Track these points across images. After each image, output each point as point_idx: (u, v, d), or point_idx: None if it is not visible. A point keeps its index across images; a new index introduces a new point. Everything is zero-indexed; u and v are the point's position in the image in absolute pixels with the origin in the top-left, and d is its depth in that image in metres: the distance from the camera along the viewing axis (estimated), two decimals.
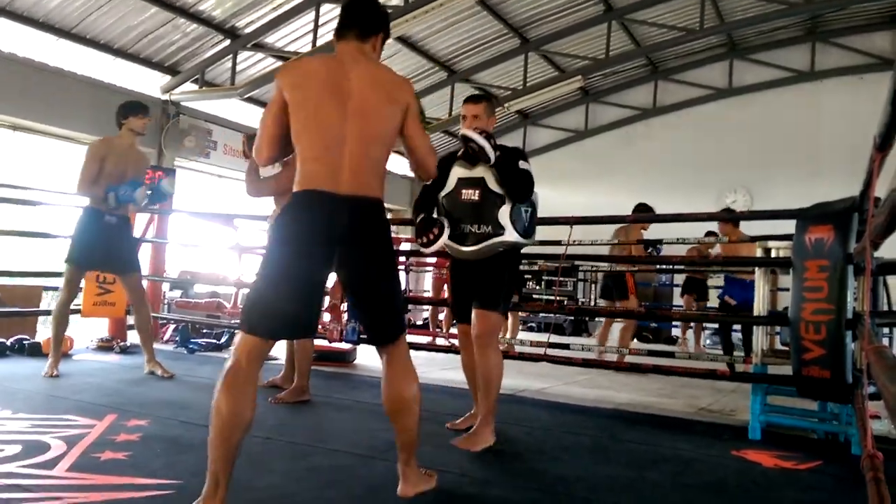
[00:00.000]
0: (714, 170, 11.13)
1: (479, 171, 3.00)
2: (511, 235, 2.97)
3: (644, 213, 5.59)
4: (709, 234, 5.84)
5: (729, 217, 5.31)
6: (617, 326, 6.35)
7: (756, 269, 3.79)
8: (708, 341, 9.79)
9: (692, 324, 8.41)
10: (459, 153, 3.10)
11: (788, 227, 3.39)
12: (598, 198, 11.53)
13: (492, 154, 2.91)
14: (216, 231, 7.41)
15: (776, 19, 9.30)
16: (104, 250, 4.16)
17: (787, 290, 3.25)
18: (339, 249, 1.98)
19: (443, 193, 3.10)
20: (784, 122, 10.78)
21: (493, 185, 2.96)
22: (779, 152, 10.70)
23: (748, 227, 4.62)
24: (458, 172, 3.05)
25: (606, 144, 12.39)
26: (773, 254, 3.70)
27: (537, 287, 11.55)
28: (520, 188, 2.97)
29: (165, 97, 8.55)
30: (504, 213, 2.96)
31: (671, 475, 2.71)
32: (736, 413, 4.16)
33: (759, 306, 3.64)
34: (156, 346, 5.84)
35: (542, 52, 10.25)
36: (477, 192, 2.97)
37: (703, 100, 11.61)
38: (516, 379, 5.10)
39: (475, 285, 3.06)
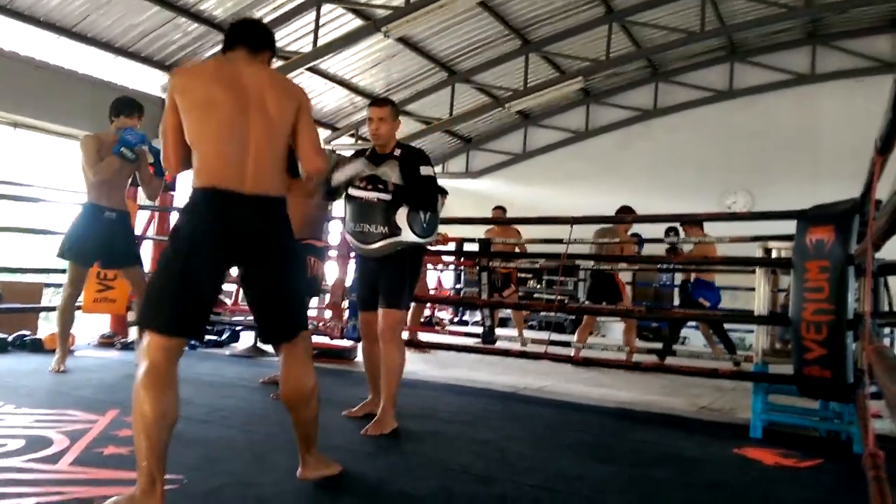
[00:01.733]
0: (715, 171, 11.13)
1: (380, 171, 3.09)
2: (408, 236, 3.06)
3: (632, 215, 5.66)
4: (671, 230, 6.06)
5: (690, 218, 5.44)
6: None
7: (757, 268, 3.80)
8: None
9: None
10: (367, 153, 3.22)
11: (789, 227, 3.40)
12: (599, 198, 11.48)
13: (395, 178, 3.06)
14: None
15: (776, 22, 9.31)
16: (102, 245, 4.14)
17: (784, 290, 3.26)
18: (241, 248, 2.00)
19: (346, 192, 3.19)
20: (785, 124, 10.79)
21: (392, 185, 3.06)
22: (779, 154, 10.71)
23: (750, 228, 4.62)
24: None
25: (607, 145, 12.39)
26: (774, 254, 3.71)
27: (538, 286, 11.56)
28: (423, 199, 3.09)
29: (165, 95, 8.55)
30: (401, 215, 3.05)
31: (673, 473, 2.72)
32: (737, 411, 4.16)
33: (760, 306, 3.65)
34: None
35: (543, 53, 10.25)
36: (378, 192, 3.07)
37: (704, 102, 11.61)
38: (517, 376, 5.11)
39: (378, 282, 3.19)
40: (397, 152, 3.18)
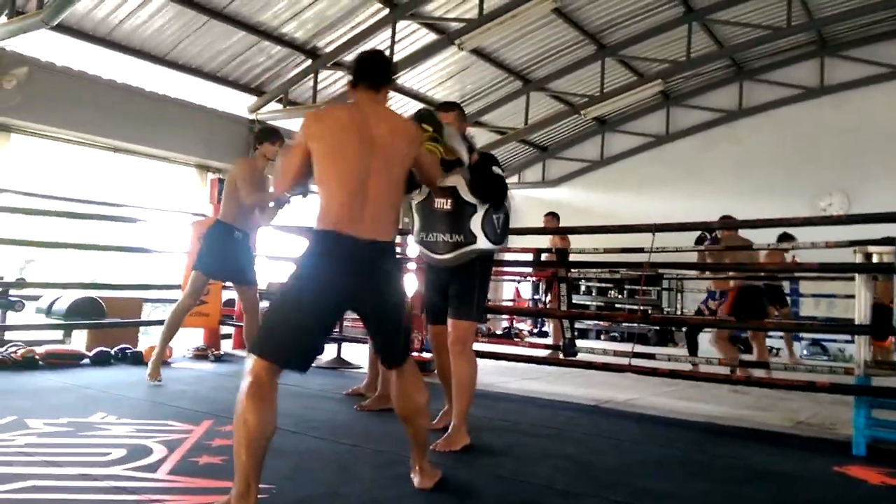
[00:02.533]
0: (806, 172, 10.60)
1: (452, 180, 3.02)
2: (483, 244, 3.02)
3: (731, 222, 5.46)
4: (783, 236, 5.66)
5: (723, 225, 5.19)
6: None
7: (856, 275, 3.58)
8: (805, 351, 9.33)
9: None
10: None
11: (890, 230, 3.20)
12: (681, 203, 11.21)
13: (465, 157, 2.95)
14: (299, 243, 7.64)
15: (869, 14, 8.81)
16: (230, 263, 4.50)
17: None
18: (358, 288, 2.17)
19: (415, 201, 3.14)
20: (882, 119, 10.16)
21: (465, 193, 3.02)
22: (877, 152, 10.09)
23: (847, 232, 4.37)
24: None
25: (689, 149, 12.02)
26: (875, 259, 3.50)
27: (619, 296, 11.32)
28: (492, 193, 3.04)
29: (252, 116, 8.93)
30: (476, 222, 3.01)
31: (768, 491, 2.59)
32: (837, 427, 3.93)
33: (861, 315, 3.44)
34: (241, 352, 6.08)
35: (620, 57, 10.07)
36: (449, 200, 3.02)
37: (793, 100, 11.09)
38: (600, 389, 5.01)
39: (449, 293, 3.14)
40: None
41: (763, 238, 5.83)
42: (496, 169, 3.09)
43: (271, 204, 4.37)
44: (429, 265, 3.25)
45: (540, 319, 11.13)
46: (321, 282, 2.12)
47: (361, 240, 2.14)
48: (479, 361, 3.29)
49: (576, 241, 6.99)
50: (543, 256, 6.67)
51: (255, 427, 1.94)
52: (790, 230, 6.52)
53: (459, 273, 3.11)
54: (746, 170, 11.17)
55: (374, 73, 2.39)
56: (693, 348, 6.01)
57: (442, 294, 3.19)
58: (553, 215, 7.51)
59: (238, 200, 4.34)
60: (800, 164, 10.71)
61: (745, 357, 6.07)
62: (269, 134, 4.56)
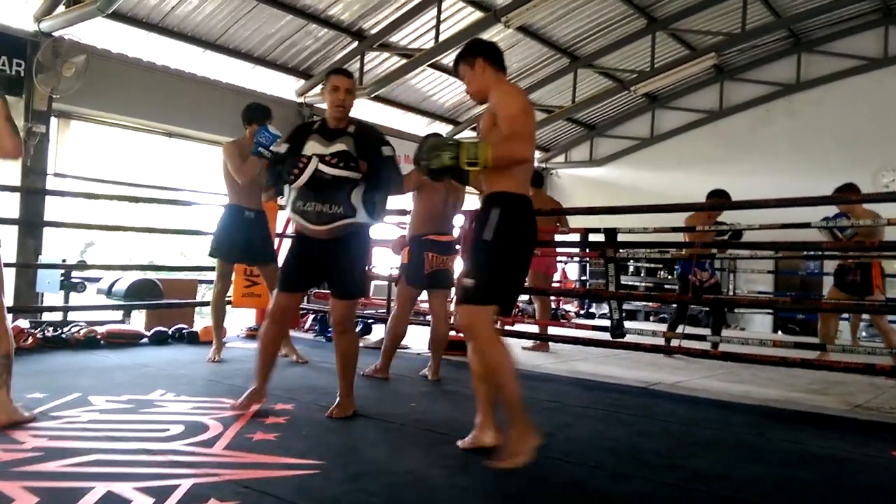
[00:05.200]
0: (868, 147, 10.16)
1: (337, 148, 2.93)
2: (362, 217, 2.96)
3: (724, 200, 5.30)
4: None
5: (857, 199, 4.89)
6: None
7: None
8: (864, 333, 9.02)
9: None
10: (316, 125, 3.09)
11: None
12: (735, 181, 10.85)
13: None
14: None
15: None
16: (244, 243, 4.48)
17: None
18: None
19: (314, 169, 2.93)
20: None
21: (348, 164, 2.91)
22: None
23: None
24: (314, 147, 2.95)
25: (744, 124, 11.65)
26: None
27: (669, 277, 11.12)
28: (393, 186, 3.05)
29: (301, 100, 9.03)
30: (357, 195, 2.93)
31: (824, 475, 2.53)
32: None
33: None
34: (297, 334, 6.20)
35: (671, 30, 9.79)
36: (348, 172, 2.90)
37: (855, 71, 10.61)
38: (649, 372, 4.95)
39: (328, 269, 3.07)
40: (352, 129, 3.03)
41: (821, 215, 5.63)
42: (386, 150, 3.04)
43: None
44: (303, 236, 3.08)
45: (587, 301, 11.03)
46: (526, 241, 2.59)
47: None
48: (520, 342, 3.26)
49: (624, 220, 6.87)
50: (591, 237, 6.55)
51: (511, 363, 2.50)
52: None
53: (343, 248, 3.02)
54: (804, 146, 10.78)
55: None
56: (718, 324, 5.88)
57: (313, 268, 3.09)
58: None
59: (234, 181, 4.35)
60: (861, 138, 10.27)
61: (805, 339, 5.89)
62: (257, 111, 4.43)
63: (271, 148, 3.47)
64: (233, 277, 4.93)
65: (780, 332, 10.05)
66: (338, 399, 3.12)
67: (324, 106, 3.17)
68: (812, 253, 7.56)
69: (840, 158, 10.20)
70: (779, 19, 9.58)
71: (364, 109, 9.80)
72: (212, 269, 4.85)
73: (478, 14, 8.25)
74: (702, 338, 4.61)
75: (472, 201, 4.45)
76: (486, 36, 8.76)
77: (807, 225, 4.78)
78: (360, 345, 5.88)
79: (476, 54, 2.67)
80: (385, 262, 7.13)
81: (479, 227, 2.54)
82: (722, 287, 10.99)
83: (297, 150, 2.99)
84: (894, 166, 10.03)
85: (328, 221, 2.92)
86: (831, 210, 5.53)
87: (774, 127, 11.28)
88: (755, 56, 11.35)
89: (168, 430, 2.69)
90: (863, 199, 4.93)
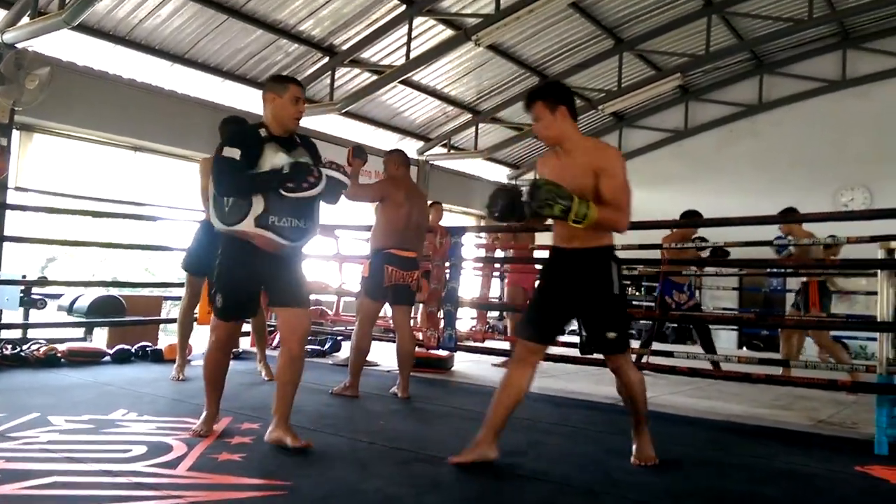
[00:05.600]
0: (828, 167, 10.45)
1: (304, 160, 2.84)
2: (317, 230, 2.95)
3: (696, 220, 5.41)
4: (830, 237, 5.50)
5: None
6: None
7: (879, 271, 3.53)
8: None
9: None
10: (262, 132, 2.86)
11: None
12: (700, 199, 11.06)
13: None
14: (318, 241, 7.69)
15: (893, 5, 8.66)
16: (211, 258, 4.38)
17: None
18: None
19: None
20: None
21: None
22: None
23: (869, 228, 4.30)
24: (277, 157, 2.77)
25: (708, 144, 11.91)
26: None
27: (637, 293, 11.25)
28: (335, 200, 3.02)
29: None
30: (317, 208, 2.91)
31: (789, 491, 2.57)
32: (859, 426, 3.88)
33: (884, 311, 3.39)
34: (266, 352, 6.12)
35: (638, 51, 9.99)
36: (319, 187, 2.79)
37: (815, 93, 10.94)
38: (609, 387, 4.98)
39: (278, 280, 2.85)
40: (298, 139, 2.96)
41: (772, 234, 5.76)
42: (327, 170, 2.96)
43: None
44: (244, 251, 2.79)
45: None
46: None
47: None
48: (492, 359, 3.25)
49: None
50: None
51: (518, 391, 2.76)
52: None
53: (293, 259, 2.91)
54: (767, 165, 11.04)
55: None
56: (709, 346, 5.87)
57: (258, 282, 2.89)
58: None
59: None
60: (821, 158, 10.56)
61: (768, 355, 6.00)
62: (233, 123, 4.29)
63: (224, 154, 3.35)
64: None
65: (744, 348, 10.22)
66: (276, 422, 2.83)
67: None
68: (775, 270, 7.70)
69: (801, 178, 10.48)
70: (741, 42, 9.85)
71: (335, 125, 9.78)
72: (177, 285, 4.78)
73: (449, 32, 8.32)
74: (669, 354, 4.65)
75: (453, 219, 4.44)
76: (457, 53, 8.87)
77: (769, 243, 4.90)
78: (329, 362, 5.84)
79: (560, 102, 2.75)
80: (354, 278, 7.09)
81: (604, 283, 2.71)
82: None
83: (252, 158, 2.73)
84: (853, 186, 10.32)
85: (299, 238, 2.82)
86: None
87: (738, 147, 11.54)
88: (719, 77, 11.64)
89: (130, 450, 2.62)
90: (826, 218, 5.05)
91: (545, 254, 6.29)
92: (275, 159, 2.76)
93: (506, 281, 6.83)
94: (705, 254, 6.04)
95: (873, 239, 3.99)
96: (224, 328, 2.91)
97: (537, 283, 3.06)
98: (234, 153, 2.72)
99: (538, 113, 2.78)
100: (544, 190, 2.52)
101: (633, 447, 2.85)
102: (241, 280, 2.85)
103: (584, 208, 2.51)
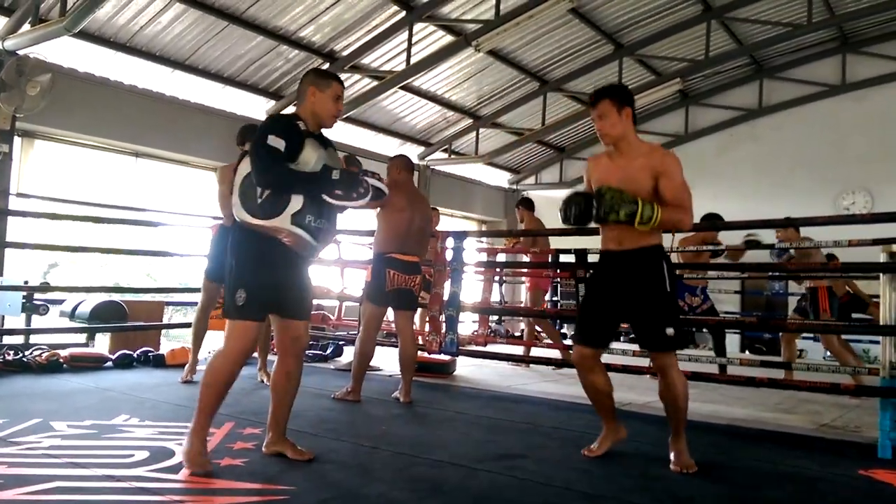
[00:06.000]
0: (828, 171, 10.46)
1: (332, 160, 2.69)
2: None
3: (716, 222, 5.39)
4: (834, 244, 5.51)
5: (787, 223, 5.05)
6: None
7: (881, 274, 3.53)
8: (828, 353, 9.20)
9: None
10: (302, 127, 2.64)
11: None
12: (700, 204, 11.06)
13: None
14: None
15: (891, 9, 8.68)
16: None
17: None
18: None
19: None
20: None
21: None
22: None
23: (871, 231, 4.30)
24: (321, 155, 2.62)
25: (708, 148, 11.91)
26: None
27: None
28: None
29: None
30: (339, 212, 2.76)
31: (792, 495, 2.56)
32: (862, 430, 3.87)
33: (887, 314, 3.39)
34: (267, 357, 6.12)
35: (637, 56, 10.01)
36: None
37: (814, 97, 10.95)
38: (620, 392, 4.96)
39: (297, 287, 2.69)
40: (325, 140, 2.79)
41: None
42: None
43: None
44: (294, 253, 2.62)
45: (559, 321, 11.06)
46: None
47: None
48: (493, 363, 3.26)
49: (595, 241, 6.94)
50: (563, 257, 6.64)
51: (596, 387, 3.02)
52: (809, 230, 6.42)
53: (308, 264, 2.79)
54: (767, 169, 11.04)
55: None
56: (721, 350, 5.81)
57: (280, 282, 2.62)
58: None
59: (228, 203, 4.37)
60: (821, 162, 10.57)
61: (772, 358, 6.00)
62: (251, 132, 4.48)
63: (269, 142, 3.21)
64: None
65: (747, 352, 10.20)
66: (274, 437, 2.76)
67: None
68: (777, 274, 7.70)
69: (802, 182, 10.48)
70: (741, 46, 9.86)
71: (335, 130, 9.75)
72: (179, 290, 4.80)
73: (449, 38, 8.34)
74: None
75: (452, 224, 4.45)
76: (457, 59, 8.90)
77: (770, 246, 4.90)
78: (331, 367, 5.84)
79: (626, 103, 2.84)
80: (356, 283, 7.10)
81: (657, 280, 2.80)
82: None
83: (293, 151, 2.54)
84: (853, 189, 10.32)
85: (325, 240, 2.70)
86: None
87: (738, 151, 11.54)
88: (719, 82, 11.65)
89: (132, 455, 2.62)
90: (828, 221, 5.07)
91: (566, 258, 6.35)
92: (314, 156, 2.58)
93: (526, 285, 6.81)
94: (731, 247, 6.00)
95: (875, 242, 3.98)
96: (242, 334, 2.57)
97: (587, 287, 3.21)
98: (279, 143, 2.50)
99: (604, 110, 2.83)
100: (608, 197, 2.65)
101: (672, 454, 2.87)
102: (266, 276, 2.58)
103: (650, 210, 2.64)
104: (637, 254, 2.82)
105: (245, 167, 2.59)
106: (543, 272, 6.57)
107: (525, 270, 7.87)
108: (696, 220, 5.56)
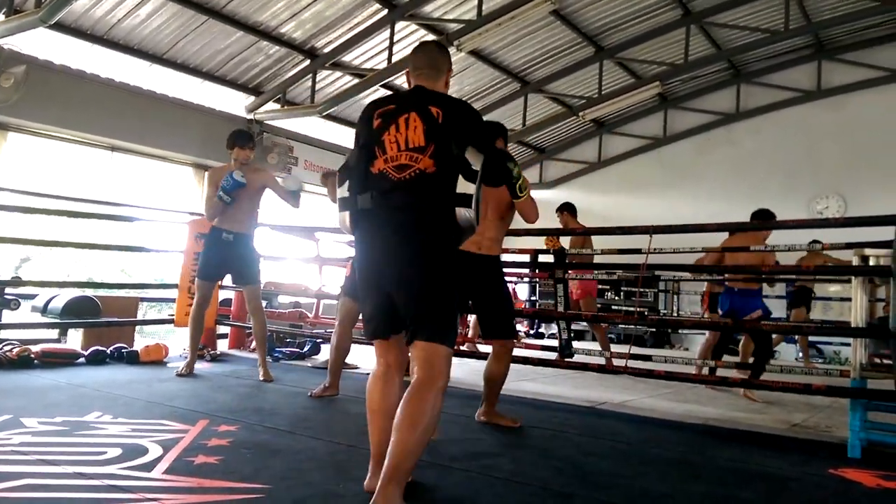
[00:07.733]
0: (803, 175, 10.63)
1: None
2: None
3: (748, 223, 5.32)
4: (813, 241, 5.53)
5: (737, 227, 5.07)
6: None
7: (853, 278, 3.59)
8: (800, 354, 9.35)
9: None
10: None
11: (887, 233, 3.21)
12: (679, 205, 11.23)
13: None
14: (298, 243, 7.65)
15: (867, 17, 8.85)
16: (220, 263, 4.68)
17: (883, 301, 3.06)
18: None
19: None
20: (879, 123, 10.18)
21: None
22: (874, 155, 10.11)
23: (843, 235, 4.38)
24: None
25: (686, 151, 12.04)
26: (872, 262, 3.50)
27: (616, 298, 11.33)
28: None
29: (250, 116, 8.92)
30: None
31: (764, 494, 2.60)
32: (833, 430, 3.94)
33: (857, 317, 3.45)
34: (242, 354, 6.07)
35: (618, 59, 10.09)
36: None
37: (790, 102, 11.12)
38: (597, 391, 5.01)
39: None
40: None
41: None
42: None
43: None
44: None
45: (537, 321, 11.13)
46: None
47: None
48: (470, 362, 3.28)
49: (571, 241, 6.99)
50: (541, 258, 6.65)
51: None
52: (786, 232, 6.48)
53: None
54: (743, 172, 11.20)
55: None
56: (767, 354, 5.31)
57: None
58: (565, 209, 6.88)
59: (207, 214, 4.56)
60: (796, 166, 10.74)
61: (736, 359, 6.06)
62: (238, 137, 4.63)
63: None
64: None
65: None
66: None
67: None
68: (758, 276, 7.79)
69: (777, 185, 10.64)
70: (719, 51, 9.98)
71: (315, 127, 9.74)
72: (154, 286, 4.79)
73: (430, 37, 8.33)
74: (647, 358, 4.68)
75: None
76: None
77: (746, 249, 4.96)
78: (308, 364, 5.81)
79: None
80: (334, 281, 7.07)
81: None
82: (665, 308, 11.30)
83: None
84: (827, 194, 10.50)
85: None
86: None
87: (716, 154, 11.69)
88: (697, 86, 11.79)
89: (105, 453, 2.58)
90: (799, 225, 5.12)
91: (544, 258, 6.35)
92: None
93: (578, 292, 6.57)
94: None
95: (848, 246, 4.06)
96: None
97: None
98: None
99: None
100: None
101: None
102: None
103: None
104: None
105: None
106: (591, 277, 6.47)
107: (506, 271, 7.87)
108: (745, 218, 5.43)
